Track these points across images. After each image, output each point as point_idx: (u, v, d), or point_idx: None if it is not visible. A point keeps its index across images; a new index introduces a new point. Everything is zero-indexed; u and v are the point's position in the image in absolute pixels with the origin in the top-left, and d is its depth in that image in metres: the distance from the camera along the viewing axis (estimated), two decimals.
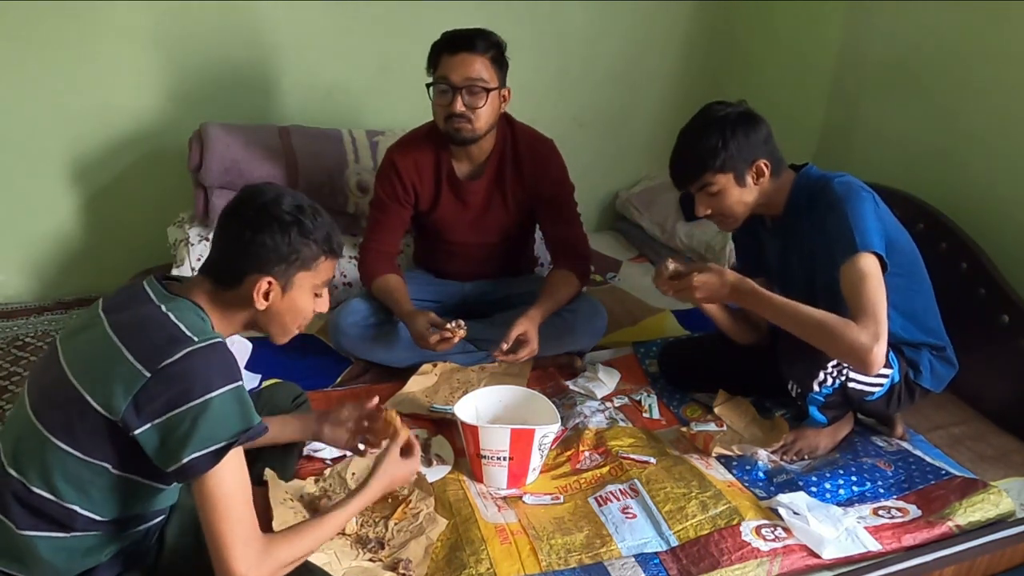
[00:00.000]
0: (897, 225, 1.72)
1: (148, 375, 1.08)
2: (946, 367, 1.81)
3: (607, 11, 2.82)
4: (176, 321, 1.14)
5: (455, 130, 1.97)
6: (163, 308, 1.16)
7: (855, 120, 2.70)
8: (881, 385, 1.71)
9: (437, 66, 1.95)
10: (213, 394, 1.09)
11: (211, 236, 1.25)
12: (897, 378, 1.72)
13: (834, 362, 1.65)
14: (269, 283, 1.21)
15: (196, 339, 1.11)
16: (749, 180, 1.69)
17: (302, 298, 1.27)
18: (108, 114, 2.41)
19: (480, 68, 1.91)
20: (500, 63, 1.96)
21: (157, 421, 1.08)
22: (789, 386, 1.77)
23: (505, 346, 1.93)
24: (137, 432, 1.08)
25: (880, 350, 1.51)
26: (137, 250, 2.58)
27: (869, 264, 1.56)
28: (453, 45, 1.91)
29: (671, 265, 1.71)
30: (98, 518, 1.17)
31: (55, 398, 1.14)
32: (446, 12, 2.59)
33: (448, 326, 1.89)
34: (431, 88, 1.97)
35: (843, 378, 1.67)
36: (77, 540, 1.17)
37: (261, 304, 1.22)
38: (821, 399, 1.72)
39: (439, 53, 1.95)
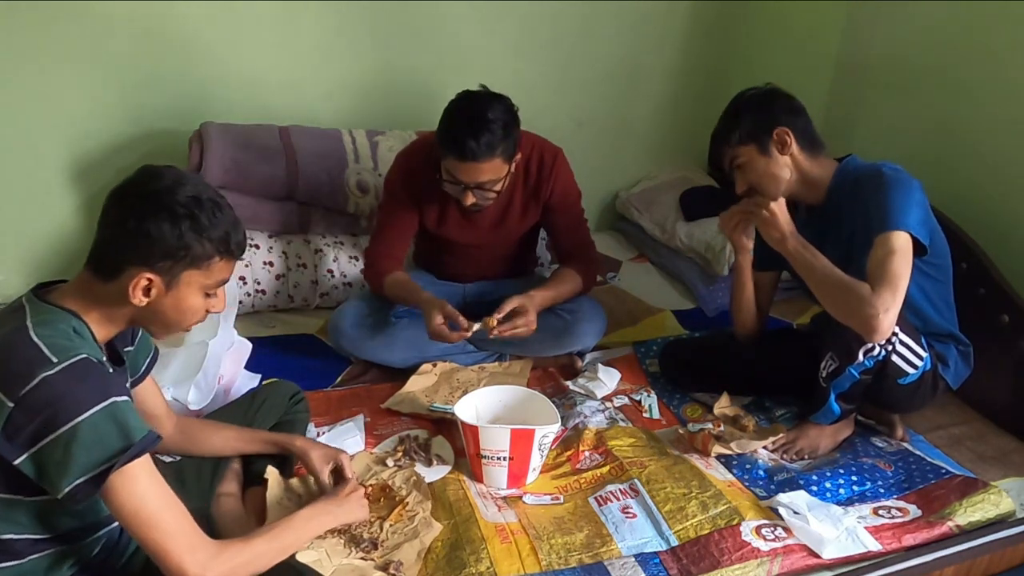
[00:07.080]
0: (935, 222, 1.74)
1: (11, 404, 1.01)
2: (966, 366, 1.84)
3: (606, 11, 2.81)
4: (37, 340, 1.05)
5: (468, 208, 1.94)
6: (29, 326, 1.07)
7: (855, 120, 2.69)
8: (918, 367, 1.70)
9: (444, 155, 1.85)
10: (80, 418, 1.01)
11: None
12: (929, 365, 1.73)
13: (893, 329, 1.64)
14: (149, 280, 1.10)
15: (55, 360, 1.03)
16: (774, 151, 1.73)
17: (190, 297, 1.15)
18: (108, 114, 2.41)
19: (490, 171, 1.84)
20: (511, 145, 1.86)
21: (31, 451, 1.02)
22: (824, 363, 1.73)
23: (498, 315, 1.90)
24: (16, 463, 1.02)
25: (888, 320, 1.53)
26: None
27: (902, 241, 1.58)
28: (460, 154, 1.80)
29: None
30: (39, 537, 1.12)
31: None
32: (446, 12, 2.59)
33: (468, 327, 1.87)
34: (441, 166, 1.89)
35: (891, 347, 1.65)
36: (32, 563, 1.13)
37: (139, 300, 1.11)
38: (856, 375, 1.70)
39: (445, 150, 1.84)
